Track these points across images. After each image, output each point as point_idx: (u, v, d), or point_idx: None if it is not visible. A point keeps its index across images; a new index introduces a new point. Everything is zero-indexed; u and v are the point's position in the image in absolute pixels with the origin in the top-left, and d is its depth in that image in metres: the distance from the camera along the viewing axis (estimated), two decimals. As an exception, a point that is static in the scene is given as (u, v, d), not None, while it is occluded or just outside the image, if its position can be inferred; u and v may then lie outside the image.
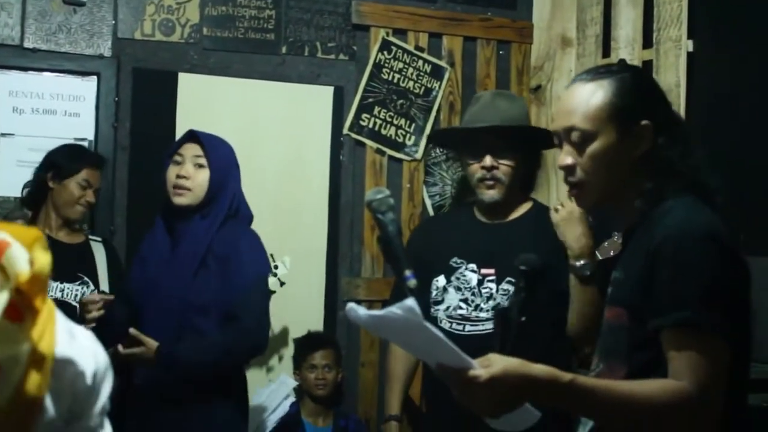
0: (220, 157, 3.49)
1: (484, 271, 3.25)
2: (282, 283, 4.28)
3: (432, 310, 3.30)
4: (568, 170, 2.09)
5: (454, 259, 3.32)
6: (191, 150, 3.46)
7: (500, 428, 1.88)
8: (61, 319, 1.38)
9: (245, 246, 3.44)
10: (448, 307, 3.28)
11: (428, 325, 1.70)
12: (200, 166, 3.44)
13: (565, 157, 2.08)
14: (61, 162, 3.94)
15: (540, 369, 1.78)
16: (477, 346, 2.02)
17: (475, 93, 4.95)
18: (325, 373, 4.50)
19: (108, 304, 3.48)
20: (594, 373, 2.10)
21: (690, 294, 1.86)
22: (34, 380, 1.24)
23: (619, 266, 2.09)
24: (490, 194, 3.27)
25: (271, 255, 4.05)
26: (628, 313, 1.99)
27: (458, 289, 3.28)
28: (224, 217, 3.44)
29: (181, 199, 3.42)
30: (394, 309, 1.67)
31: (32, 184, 3.98)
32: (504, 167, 3.24)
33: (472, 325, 3.21)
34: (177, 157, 3.47)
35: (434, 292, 3.32)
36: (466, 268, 3.28)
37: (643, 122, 2.03)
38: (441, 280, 3.31)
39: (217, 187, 3.44)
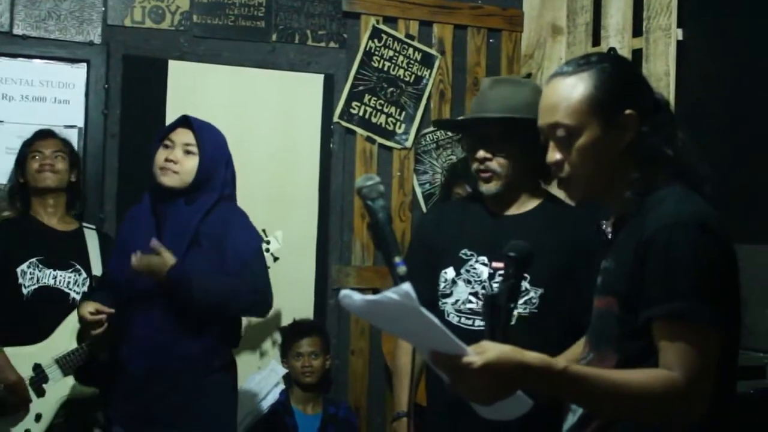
0: (212, 146, 3.47)
1: (495, 264, 3.04)
2: (276, 258, 4.29)
3: (440, 303, 3.13)
4: (557, 165, 2.08)
5: (464, 250, 3.13)
6: (182, 136, 3.45)
7: (492, 417, 1.88)
8: None
9: (238, 224, 3.43)
10: (456, 301, 3.10)
11: (423, 310, 1.69)
12: (190, 152, 3.43)
13: (554, 153, 2.07)
14: (19, 154, 4.04)
15: (533, 356, 1.77)
16: None
17: (465, 81, 4.98)
18: (311, 360, 4.51)
19: (109, 316, 3.48)
20: (585, 361, 2.10)
21: (680, 285, 1.86)
22: None
23: (609, 256, 2.09)
24: (487, 187, 3.08)
25: (263, 230, 4.04)
26: (619, 302, 1.99)
27: (468, 282, 3.10)
28: (214, 203, 3.44)
29: (167, 179, 3.40)
30: (390, 294, 1.66)
31: (11, 187, 4.08)
32: (500, 159, 3.04)
33: (481, 320, 2.98)
34: (167, 142, 3.45)
35: (442, 285, 3.13)
36: (477, 261, 3.10)
37: (627, 111, 2.02)
38: (450, 272, 3.13)
39: (206, 175, 3.43)
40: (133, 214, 3.57)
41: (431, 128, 4.92)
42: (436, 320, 1.72)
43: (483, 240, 3.10)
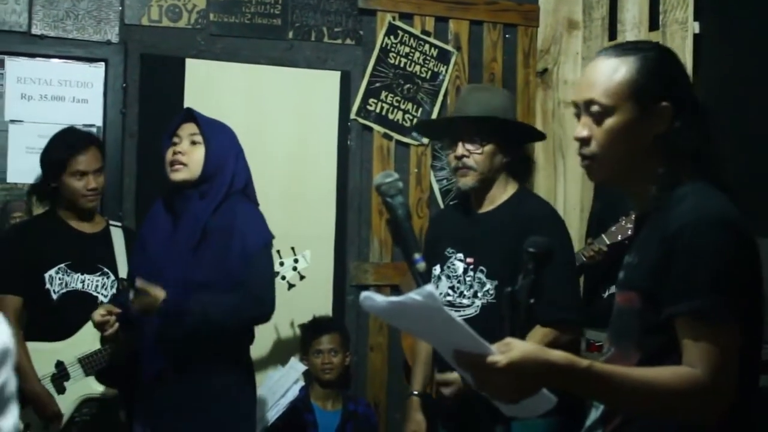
0: (217, 135, 3.49)
1: (468, 260, 3.39)
2: (302, 277, 4.31)
3: None
4: (583, 142, 2.08)
5: (448, 248, 3.46)
6: (187, 129, 3.48)
7: (516, 414, 1.88)
8: None
9: (245, 217, 3.43)
10: (439, 294, 3.35)
11: (448, 310, 1.69)
12: (195, 143, 3.45)
13: (582, 128, 2.08)
14: (51, 159, 3.88)
15: (557, 355, 1.78)
16: None
17: (482, 77, 4.98)
18: (331, 357, 4.52)
19: (119, 316, 3.53)
20: (605, 357, 2.11)
21: (703, 282, 1.86)
22: None
23: (632, 251, 2.09)
24: (463, 181, 3.42)
25: (292, 248, 4.08)
26: (641, 298, 1.99)
27: (448, 277, 3.42)
28: (224, 196, 3.44)
29: (177, 174, 3.42)
30: (413, 295, 1.66)
31: (39, 186, 3.98)
32: (476, 155, 3.36)
33: (455, 311, 3.28)
34: (175, 138, 3.48)
35: (433, 281, 3.44)
36: (456, 258, 3.42)
37: (663, 103, 2.02)
38: (437, 269, 3.46)
39: (215, 165, 3.43)
40: (151, 214, 3.59)
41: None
42: (459, 320, 1.72)
43: (460, 237, 3.48)
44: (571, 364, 1.78)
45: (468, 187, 3.41)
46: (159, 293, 3.30)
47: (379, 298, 1.73)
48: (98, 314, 3.57)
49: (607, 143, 2.04)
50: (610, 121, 2.04)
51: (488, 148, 3.37)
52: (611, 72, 2.05)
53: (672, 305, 1.89)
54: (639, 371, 1.87)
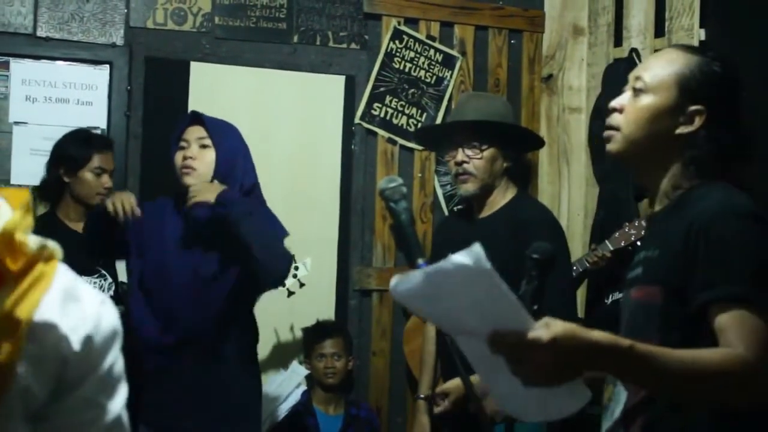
0: (226, 138, 3.51)
1: None
2: (302, 285, 4.31)
3: None
4: (613, 111, 2.16)
5: (449, 254, 3.39)
6: (195, 132, 3.48)
7: (547, 415, 1.83)
8: (61, 281, 1.30)
9: (263, 213, 3.46)
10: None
11: (496, 274, 1.58)
12: (205, 146, 3.46)
13: (620, 100, 2.15)
14: (70, 154, 3.92)
15: (599, 334, 1.73)
16: None
17: (487, 82, 4.98)
18: (333, 361, 4.52)
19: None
20: None
21: (738, 269, 1.90)
22: (3, 348, 1.20)
23: (649, 246, 2.11)
24: (464, 188, 3.42)
25: (293, 255, 4.07)
26: (663, 291, 2.00)
27: None
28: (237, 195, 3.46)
29: (188, 178, 3.43)
30: (461, 258, 1.55)
31: (47, 182, 3.98)
32: (476, 161, 3.37)
33: None
34: (182, 143, 3.48)
35: None
36: None
37: (699, 107, 2.07)
38: None
39: (226, 167, 3.45)
40: (158, 206, 3.57)
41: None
42: (505, 286, 1.60)
43: (458, 243, 3.27)
44: (615, 344, 1.74)
45: (469, 194, 3.43)
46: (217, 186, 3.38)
47: (414, 273, 1.63)
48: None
49: (633, 119, 2.12)
50: (645, 100, 2.11)
51: (488, 152, 3.37)
52: (669, 61, 2.13)
53: (706, 292, 1.91)
54: (683, 352, 1.84)
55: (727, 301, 1.88)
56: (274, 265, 3.37)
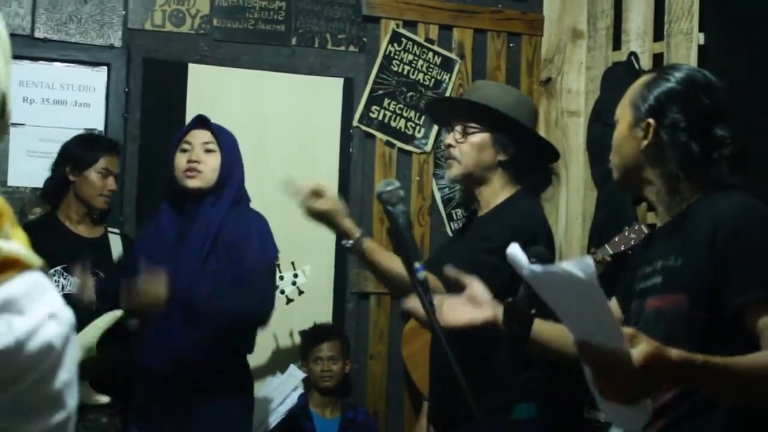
0: (229, 144, 3.53)
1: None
2: (301, 292, 4.31)
3: None
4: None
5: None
6: (200, 136, 3.48)
7: (616, 423, 1.88)
8: (7, 289, 1.19)
9: (256, 233, 3.44)
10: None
11: (601, 292, 1.67)
12: (210, 151, 3.45)
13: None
14: (78, 153, 3.92)
15: (676, 352, 1.81)
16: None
17: (486, 85, 4.95)
18: (330, 364, 4.50)
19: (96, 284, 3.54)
20: None
21: None
22: None
23: (668, 256, 2.15)
24: (448, 173, 3.18)
25: (292, 263, 4.07)
26: (690, 299, 2.05)
27: None
28: (233, 202, 3.45)
29: (193, 182, 3.43)
30: (573, 269, 1.63)
31: (52, 180, 3.97)
32: (462, 146, 3.07)
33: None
34: (185, 145, 3.47)
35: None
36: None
37: (649, 120, 2.17)
38: None
39: (228, 173, 3.47)
40: (155, 222, 3.57)
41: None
42: (608, 303, 1.71)
43: (451, 240, 3.47)
44: (690, 360, 1.82)
45: (451, 179, 3.21)
46: (161, 286, 3.28)
47: (537, 267, 1.72)
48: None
49: (613, 149, 2.28)
50: (616, 130, 2.27)
51: (476, 138, 3.07)
52: (632, 89, 2.27)
53: (742, 295, 1.98)
54: (746, 360, 1.91)
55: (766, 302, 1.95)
56: (253, 320, 3.46)
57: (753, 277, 1.97)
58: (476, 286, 2.33)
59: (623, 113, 2.25)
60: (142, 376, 3.45)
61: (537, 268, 1.71)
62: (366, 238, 2.94)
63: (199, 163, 3.43)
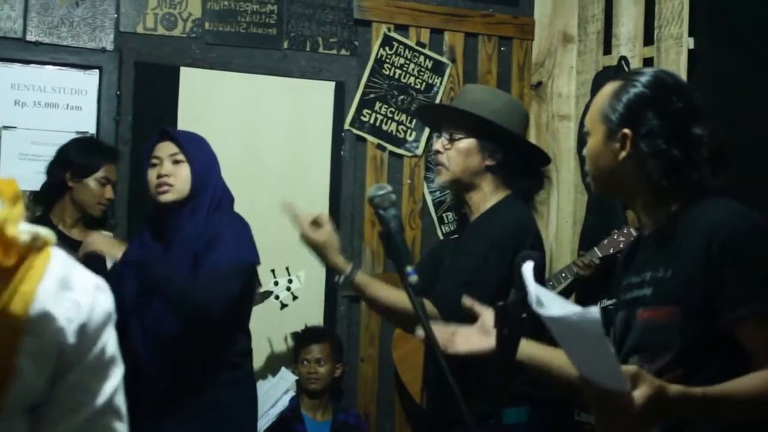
0: (199, 151, 3.46)
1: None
2: (295, 297, 4.30)
3: None
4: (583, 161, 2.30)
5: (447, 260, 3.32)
6: (166, 149, 3.42)
7: None
8: (54, 270, 1.28)
9: (230, 234, 3.37)
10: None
11: (606, 339, 1.69)
12: (178, 162, 3.40)
13: (584, 149, 2.27)
14: (78, 160, 3.90)
15: (675, 387, 1.83)
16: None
17: (477, 89, 4.96)
18: (316, 366, 4.50)
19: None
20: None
21: None
22: (2, 345, 1.19)
23: (656, 266, 2.13)
24: (437, 179, 3.21)
25: (287, 268, 4.06)
26: (682, 311, 2.03)
27: None
28: (210, 209, 3.42)
29: (166, 196, 3.38)
30: (577, 317, 1.65)
31: (49, 184, 3.95)
32: (450, 153, 3.08)
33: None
34: (154, 160, 3.42)
35: None
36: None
37: (625, 130, 2.12)
38: None
39: (201, 181, 3.40)
40: (139, 238, 3.55)
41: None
42: (612, 349, 1.72)
43: (442, 244, 3.27)
44: (689, 395, 1.84)
45: (440, 185, 3.24)
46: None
47: (545, 311, 1.72)
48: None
49: (588, 162, 2.25)
50: (589, 143, 2.23)
51: (462, 144, 3.07)
52: (598, 98, 2.21)
53: (737, 310, 1.96)
54: (742, 385, 1.91)
55: (763, 315, 1.94)
56: (197, 309, 3.26)
57: (749, 291, 1.96)
58: (488, 316, 2.30)
59: (593, 125, 2.19)
60: (137, 373, 3.43)
61: (543, 312, 1.72)
62: (357, 271, 2.96)
63: (169, 177, 3.38)
